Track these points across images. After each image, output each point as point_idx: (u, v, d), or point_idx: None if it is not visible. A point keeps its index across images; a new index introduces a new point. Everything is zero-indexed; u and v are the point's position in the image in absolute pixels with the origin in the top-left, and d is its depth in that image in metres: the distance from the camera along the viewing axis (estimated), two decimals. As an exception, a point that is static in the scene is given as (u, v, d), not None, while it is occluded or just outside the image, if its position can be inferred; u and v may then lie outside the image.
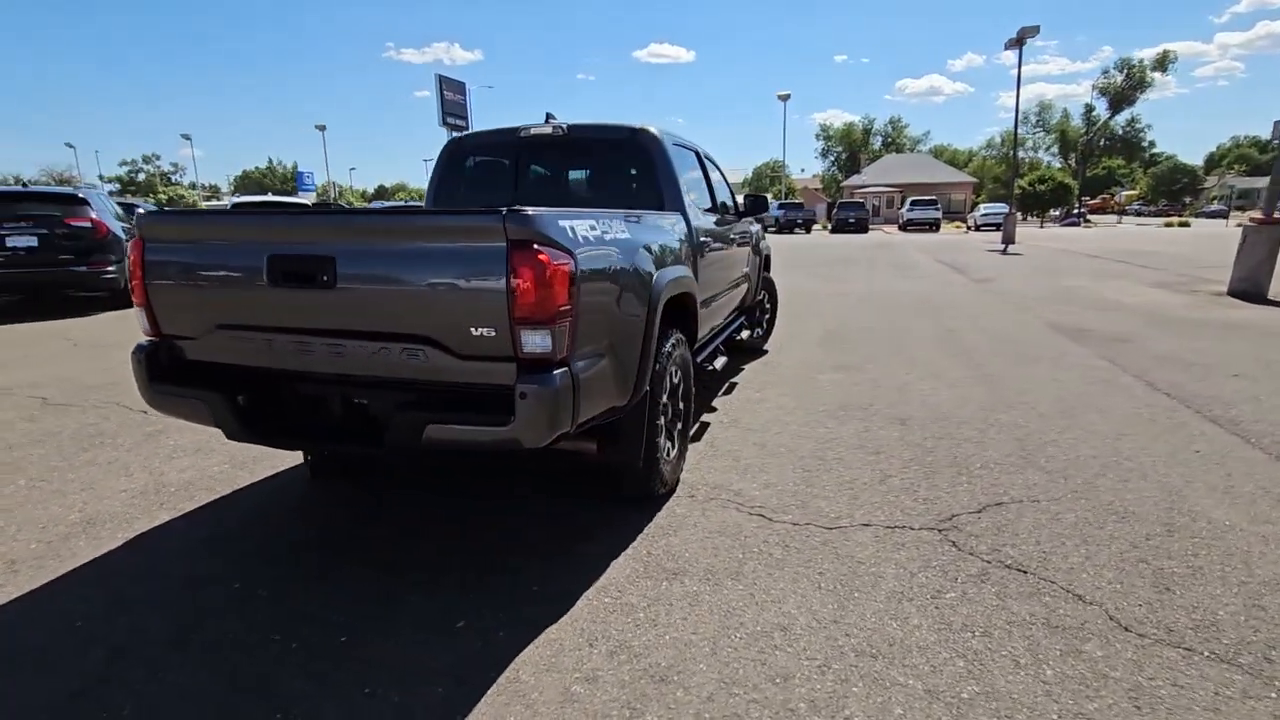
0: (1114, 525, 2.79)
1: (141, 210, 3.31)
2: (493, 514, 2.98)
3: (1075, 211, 45.54)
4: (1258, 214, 10.71)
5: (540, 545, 2.69)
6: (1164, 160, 72.27)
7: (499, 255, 1.94)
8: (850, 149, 66.82)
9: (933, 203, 34.78)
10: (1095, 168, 67.07)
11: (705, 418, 4.31)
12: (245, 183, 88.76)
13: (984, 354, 5.99)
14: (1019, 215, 36.49)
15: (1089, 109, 60.34)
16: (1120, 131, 63.10)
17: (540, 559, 2.58)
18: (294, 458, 3.44)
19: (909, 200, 36.71)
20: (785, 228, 34.29)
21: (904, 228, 34.68)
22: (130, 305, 5.35)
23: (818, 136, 68.70)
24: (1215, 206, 56.86)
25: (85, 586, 2.44)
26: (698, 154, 4.38)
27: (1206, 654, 1.98)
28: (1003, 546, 2.62)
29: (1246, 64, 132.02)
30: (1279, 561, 2.47)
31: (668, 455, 3.06)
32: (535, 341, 1.99)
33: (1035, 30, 20.65)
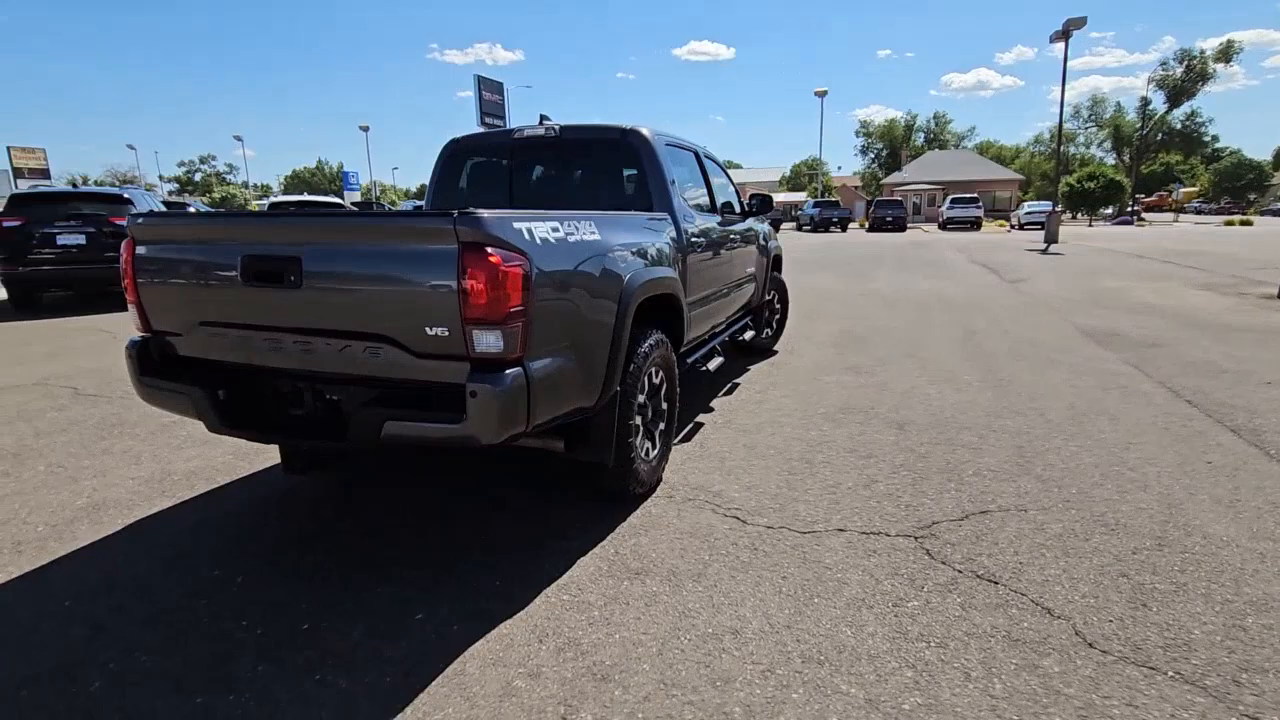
0: (1101, 537, 2.69)
1: (192, 208, 3.46)
2: (471, 510, 3.03)
3: (1128, 210, 43.68)
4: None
5: (511, 542, 2.73)
6: (1228, 155, 68.82)
7: (451, 257, 1.98)
8: (891, 146, 65.45)
9: (973, 200, 33.81)
10: (1152, 164, 64.28)
11: (700, 418, 4.30)
12: (294, 182, 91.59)
13: (1002, 357, 5.83)
14: (1064, 214, 35.27)
15: (1144, 102, 57.77)
16: (1179, 126, 60.21)
17: (508, 555, 2.62)
18: (292, 450, 3.56)
19: (949, 198, 35.79)
20: (820, 226, 33.80)
21: (944, 226, 33.81)
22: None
23: (857, 133, 67.54)
24: (1283, 204, 53.91)
25: (79, 568, 2.57)
26: (696, 154, 4.37)
27: (1171, 674, 1.90)
28: (978, 556, 2.56)
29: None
30: (1272, 580, 2.36)
31: (646, 455, 3.07)
32: (488, 341, 2.03)
33: (1081, 22, 19.89)
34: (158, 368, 2.57)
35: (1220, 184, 66.06)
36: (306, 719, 1.79)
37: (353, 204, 34.22)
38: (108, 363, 5.93)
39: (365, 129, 54.05)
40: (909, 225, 36.44)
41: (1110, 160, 60.17)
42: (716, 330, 4.66)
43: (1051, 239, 20.70)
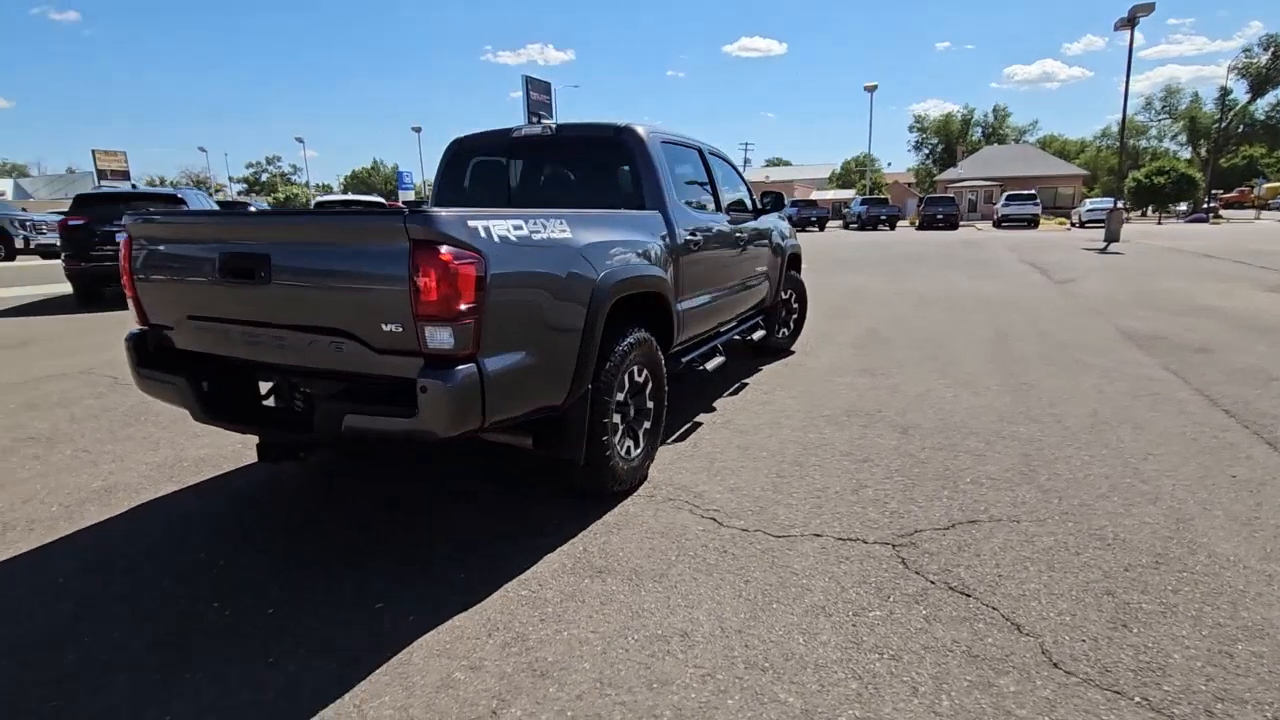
0: (1094, 552, 2.55)
1: (253, 208, 3.62)
2: (454, 506, 3.08)
3: (1204, 206, 41.11)
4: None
5: (485, 536, 2.76)
6: (1319, 148, 63.91)
7: (403, 255, 2.02)
8: (947, 141, 63.36)
9: (1031, 197, 32.43)
10: (1233, 157, 60.30)
11: (700, 417, 4.26)
12: (353, 182, 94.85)
13: (1030, 361, 5.58)
14: (1129, 211, 33.49)
15: (1224, 92, 54.22)
16: (1262, 117, 56.31)
17: (480, 550, 2.66)
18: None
19: (1005, 195, 34.44)
20: (867, 224, 33.04)
21: (999, 224, 32.57)
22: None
23: (911, 128, 65.62)
24: (1383, 200, 49.87)
25: (79, 547, 2.73)
26: (701, 152, 4.32)
27: (1136, 699, 1.79)
28: (955, 567, 2.46)
29: None
30: (1275, 605, 2.19)
31: (627, 454, 3.06)
32: (439, 338, 2.06)
33: (1149, 9, 18.82)
34: (153, 359, 2.71)
35: (1310, 179, 61.42)
36: (252, 700, 1.86)
37: (404, 203, 35.24)
38: (149, 354, 6.25)
39: (418, 130, 55.63)
40: (962, 223, 35.26)
41: (1185, 154, 56.77)
42: (722, 329, 4.61)
43: (1112, 238, 19.70)
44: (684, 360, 3.82)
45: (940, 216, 31.40)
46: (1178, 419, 4.05)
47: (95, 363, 5.95)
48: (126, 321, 3.05)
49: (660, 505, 3.01)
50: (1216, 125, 55.71)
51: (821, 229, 33.76)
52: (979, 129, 65.04)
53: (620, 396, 2.97)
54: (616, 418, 2.96)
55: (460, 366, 2.08)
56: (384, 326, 2.11)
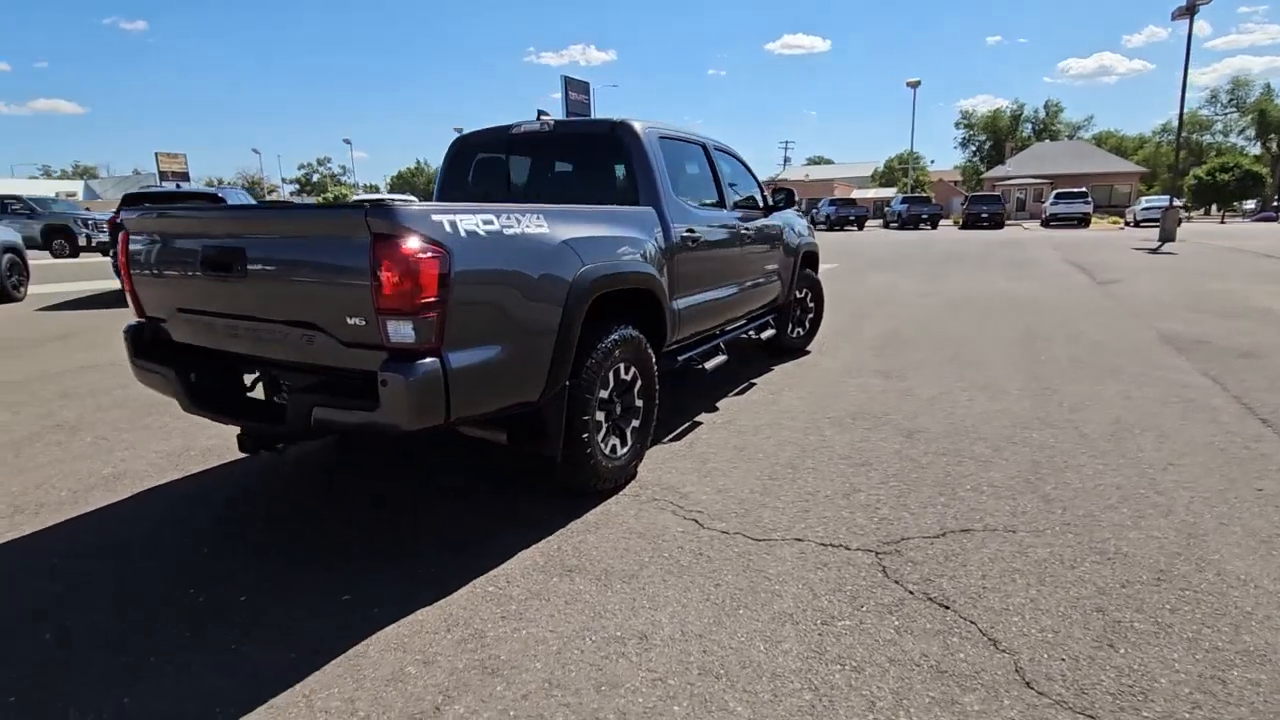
0: (1090, 566, 2.41)
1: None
2: (443, 501, 3.08)
3: (1273, 204, 38.87)
4: None
5: (465, 532, 2.76)
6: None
7: (364, 249, 2.03)
8: (995, 137, 61.37)
9: (1081, 195, 31.16)
10: (1307, 152, 56.80)
11: (701, 416, 4.20)
12: (398, 183, 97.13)
13: (1058, 365, 5.34)
14: (1189, 210, 31.90)
15: (1299, 83, 51.05)
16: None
17: (456, 545, 2.66)
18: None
19: (1053, 193, 33.18)
20: (908, 223, 32.26)
21: (1047, 223, 31.40)
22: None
23: (957, 124, 63.76)
24: None
25: (78, 531, 2.83)
26: (705, 148, 4.26)
27: (1110, 725, 1.68)
28: (938, 577, 2.36)
29: None
30: (1283, 629, 2.03)
31: (612, 452, 3.03)
32: (401, 332, 2.06)
33: (1210, -5, 17.86)
34: (149, 351, 2.79)
35: (1394, 175, 57.40)
36: (213, 687, 1.89)
37: (367, 198, 35.85)
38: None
39: (460, 131, 56.45)
40: (1008, 222, 34.14)
41: (1254, 150, 53.77)
42: (728, 328, 4.54)
43: (1167, 237, 18.80)
44: (680, 359, 3.76)
45: (985, 215, 30.43)
46: (1208, 428, 3.82)
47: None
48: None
49: (644, 505, 2.97)
50: (1288, 118, 52.60)
51: (860, 228, 33.11)
52: (1029, 125, 62.79)
53: (604, 394, 2.94)
54: (600, 415, 2.93)
55: (422, 360, 2.08)
56: (348, 320, 2.12)
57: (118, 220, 9.64)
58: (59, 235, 19.03)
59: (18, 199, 20.55)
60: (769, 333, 5.08)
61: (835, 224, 32.71)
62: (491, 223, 2.32)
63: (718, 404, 4.47)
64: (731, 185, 4.91)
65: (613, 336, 2.91)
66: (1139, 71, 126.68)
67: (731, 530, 2.73)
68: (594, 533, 2.73)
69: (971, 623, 2.10)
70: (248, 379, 2.89)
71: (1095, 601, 2.20)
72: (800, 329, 5.93)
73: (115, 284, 10.56)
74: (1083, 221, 30.38)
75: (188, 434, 4.00)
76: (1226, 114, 57.80)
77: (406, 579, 2.41)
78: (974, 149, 63.58)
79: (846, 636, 2.05)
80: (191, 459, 3.61)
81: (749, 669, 1.91)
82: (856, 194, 51.76)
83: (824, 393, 4.70)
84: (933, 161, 67.82)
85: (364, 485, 3.27)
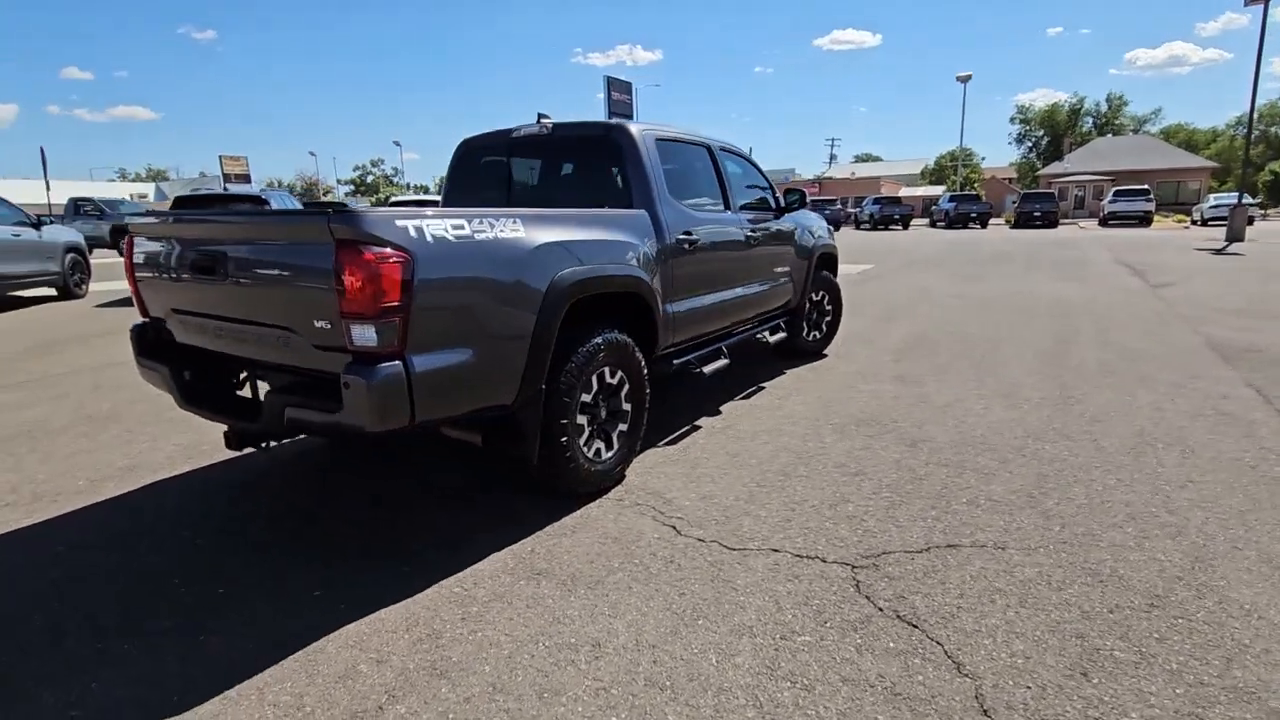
0: (1079, 588, 2.29)
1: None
2: (432, 501, 3.12)
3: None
4: None
5: (448, 532, 2.78)
6: None
7: (328, 253, 2.07)
8: (1053, 133, 58.90)
9: (1142, 193, 29.60)
10: (1402, 145, 52.77)
11: (702, 420, 4.16)
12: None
13: (1086, 372, 5.09)
14: (1266, 208, 30.00)
15: (1394, 71, 47.37)
16: None
17: (437, 545, 2.69)
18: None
19: (1112, 190, 31.66)
20: (955, 222, 31.26)
21: (1105, 222, 29.98)
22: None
23: (1013, 120, 61.35)
24: None
25: (85, 520, 2.98)
26: (709, 149, 4.21)
27: (1065, 761, 1.59)
28: (912, 595, 2.27)
29: None
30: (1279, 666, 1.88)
31: (596, 456, 3.02)
32: (363, 335, 2.10)
33: (1287, -22, 16.73)
34: (152, 349, 2.92)
35: None
36: (178, 674, 1.96)
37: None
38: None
39: (504, 131, 57.25)
40: (1064, 221, 32.75)
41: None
42: (735, 331, 4.47)
43: (1235, 236, 17.71)
44: (676, 363, 3.73)
45: (1038, 213, 29.22)
46: (1240, 443, 3.58)
47: (167, 350, 6.49)
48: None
49: (625, 509, 2.95)
50: (1381, 109, 48.88)
51: (905, 227, 32.23)
52: (1089, 119, 60.03)
53: (586, 398, 2.93)
54: (582, 419, 2.93)
55: (384, 364, 2.11)
56: (316, 323, 2.17)
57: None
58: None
59: (90, 201, 21.81)
60: (779, 336, 4.99)
61: (879, 223, 31.92)
62: (462, 227, 2.34)
63: (721, 408, 4.42)
64: (747, 187, 4.85)
65: (596, 340, 2.90)
66: (1214, 61, 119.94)
67: (708, 538, 2.69)
68: (569, 536, 2.73)
69: (938, 644, 2.02)
70: (238, 379, 2.99)
71: (1077, 627, 2.08)
72: (817, 332, 5.81)
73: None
74: (1144, 220, 28.88)
75: (202, 429, 4.15)
76: (1312, 105, 54.09)
77: (381, 577, 2.45)
78: (1029, 145, 61.16)
79: (803, 653, 1.99)
80: (203, 453, 3.76)
81: (696, 682, 1.88)
82: (905, 192, 50.46)
83: (832, 398, 4.59)
84: (983, 159, 65.49)
85: (360, 484, 3.34)
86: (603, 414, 3.07)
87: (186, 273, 2.54)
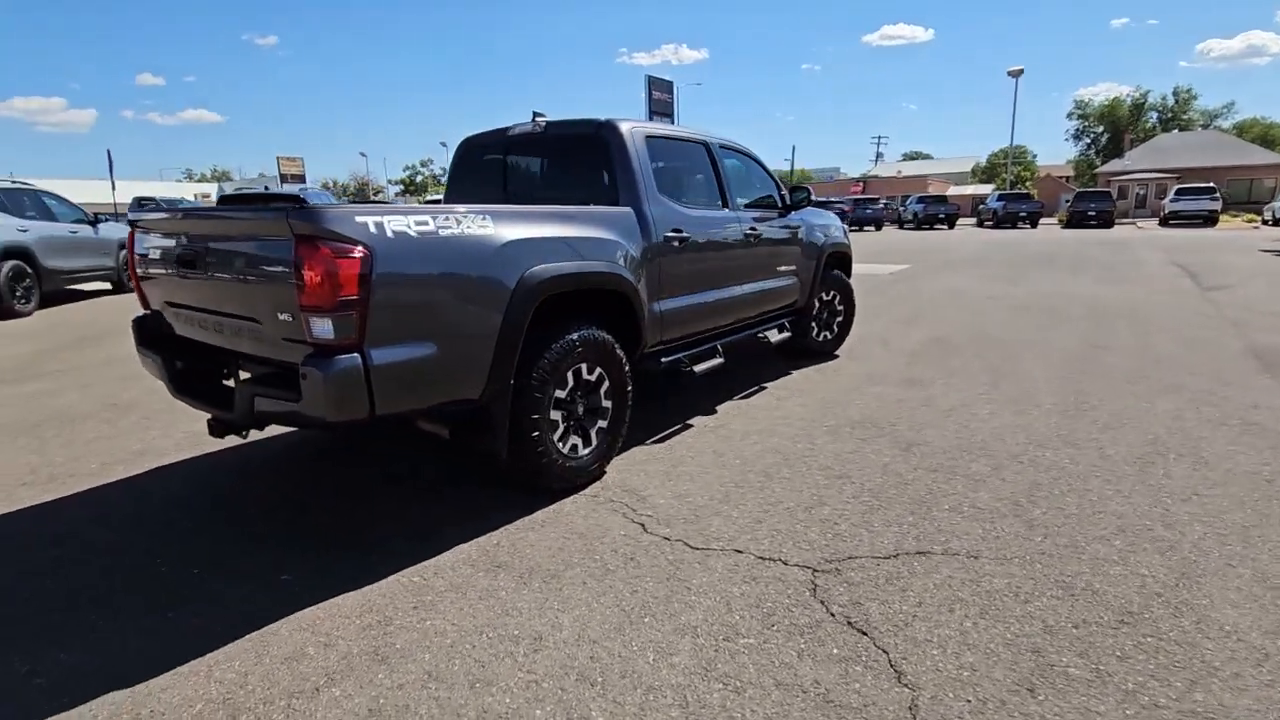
0: (1047, 600, 2.19)
1: None
2: (416, 493, 3.18)
3: None
4: None
5: (427, 524, 2.82)
6: None
7: (288, 248, 2.13)
8: (1114, 128, 56.36)
9: (1208, 191, 28.00)
10: None
11: (695, 419, 4.13)
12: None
13: (1109, 378, 4.86)
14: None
15: None
16: None
17: (407, 535, 2.73)
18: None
19: (1174, 189, 30.08)
20: (1004, 221, 30.20)
21: (1165, 221, 28.51)
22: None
23: (1070, 115, 58.93)
24: None
25: (88, 501, 3.15)
26: (708, 147, 4.17)
27: (988, 778, 1.52)
28: (868, 601, 2.21)
29: None
30: (1248, 690, 1.77)
31: (572, 452, 3.04)
32: (321, 328, 2.16)
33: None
34: (151, 340, 3.06)
35: None
36: (138, 649, 2.05)
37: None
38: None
39: (546, 131, 57.83)
40: (1123, 220, 31.31)
41: None
42: (735, 330, 4.42)
43: (1306, 237, 16.62)
44: (665, 361, 3.71)
45: (1092, 213, 27.95)
46: (1261, 455, 3.37)
47: (200, 342, 6.79)
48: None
49: (597, 506, 2.96)
50: None
51: (950, 226, 31.30)
52: (1154, 115, 57.19)
53: (561, 394, 2.95)
54: (556, 415, 2.95)
55: (340, 356, 2.17)
56: (280, 315, 2.25)
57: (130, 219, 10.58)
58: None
59: (152, 200, 23.00)
60: (782, 335, 4.91)
61: (923, 222, 31.08)
62: (425, 224, 2.38)
63: (717, 407, 4.38)
64: (760, 185, 4.79)
65: (571, 337, 2.92)
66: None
67: (673, 537, 2.68)
68: (536, 530, 2.75)
69: (884, 652, 1.96)
70: (227, 370, 3.11)
71: (1035, 641, 2.00)
72: (828, 333, 5.70)
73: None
74: (1208, 220, 27.34)
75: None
76: (1403, 96, 50.27)
77: (346, 565, 2.52)
78: (1088, 142, 58.66)
79: (742, 655, 1.97)
80: (209, 440, 3.90)
81: (627, 679, 1.88)
82: (953, 191, 48.99)
83: (834, 399, 4.50)
84: (1035, 156, 63.05)
85: (357, 475, 3.43)
86: (580, 410, 3.08)
87: (174, 267, 2.65)
